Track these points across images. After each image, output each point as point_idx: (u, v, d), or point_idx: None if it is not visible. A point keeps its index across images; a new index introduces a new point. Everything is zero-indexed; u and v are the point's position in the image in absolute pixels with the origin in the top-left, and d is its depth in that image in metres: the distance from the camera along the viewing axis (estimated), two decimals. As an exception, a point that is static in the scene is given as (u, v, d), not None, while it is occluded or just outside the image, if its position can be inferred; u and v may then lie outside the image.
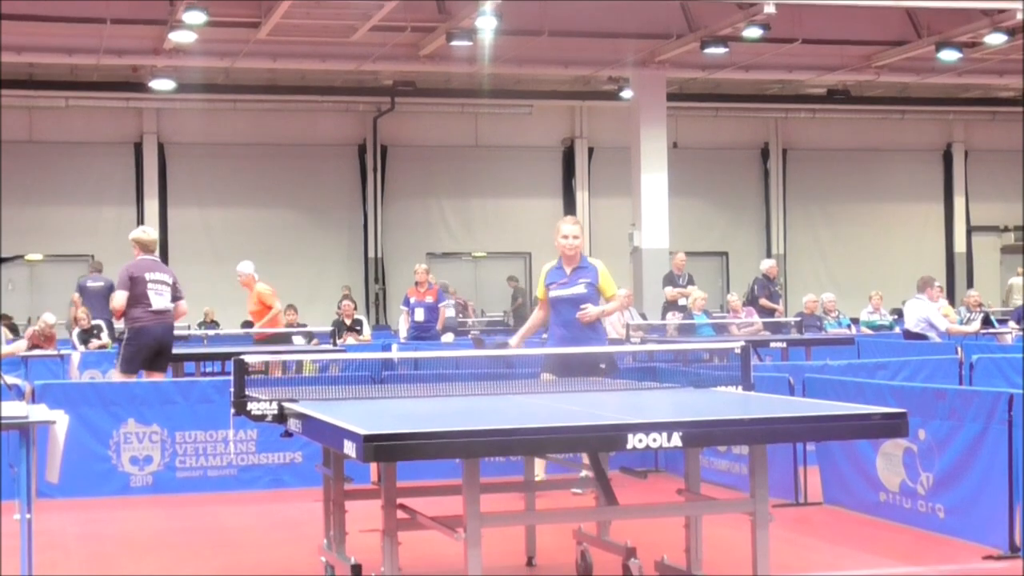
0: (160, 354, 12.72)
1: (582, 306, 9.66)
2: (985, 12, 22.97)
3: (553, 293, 9.81)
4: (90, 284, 22.32)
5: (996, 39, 23.75)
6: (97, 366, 17.71)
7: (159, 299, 12.70)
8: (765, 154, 33.82)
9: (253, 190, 30.64)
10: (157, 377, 12.44)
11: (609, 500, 6.39)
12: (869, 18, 24.91)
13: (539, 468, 9.02)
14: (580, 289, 9.72)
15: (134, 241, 13.11)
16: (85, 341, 20.03)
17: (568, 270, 9.85)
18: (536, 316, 10.25)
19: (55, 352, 18.07)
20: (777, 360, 15.86)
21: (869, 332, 21.64)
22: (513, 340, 10.41)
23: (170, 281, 12.84)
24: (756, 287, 22.87)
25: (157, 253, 13.15)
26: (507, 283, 30.42)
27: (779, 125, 33.84)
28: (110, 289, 21.85)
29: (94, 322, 20.72)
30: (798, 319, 20.72)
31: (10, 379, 11.24)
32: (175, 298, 12.86)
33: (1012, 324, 21.18)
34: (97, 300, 21.42)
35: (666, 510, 7.04)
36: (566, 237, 9.87)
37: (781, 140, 34.02)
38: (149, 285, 12.70)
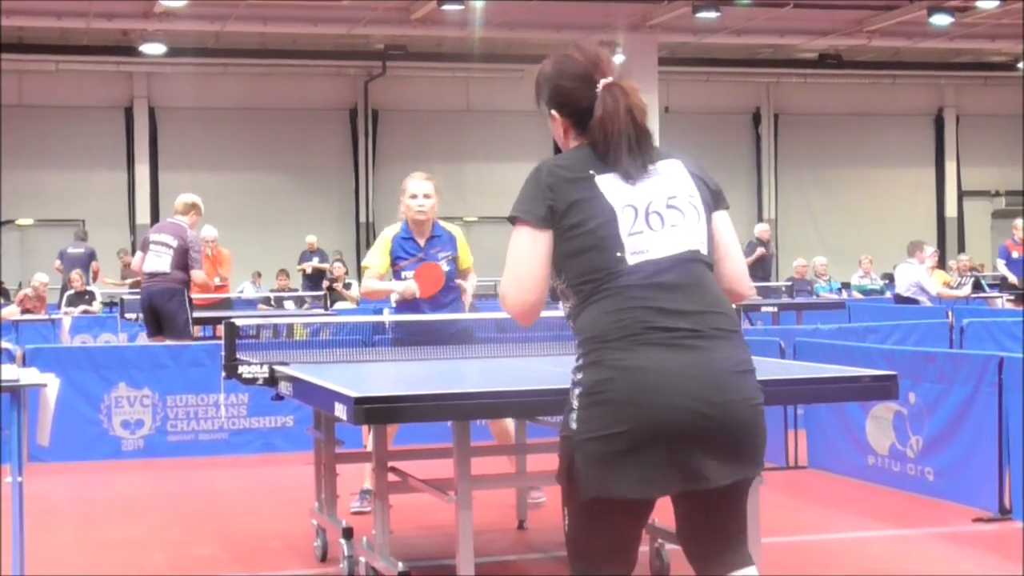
0: (157, 318, 12.64)
1: (457, 282, 8.13)
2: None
3: (408, 272, 8.02)
4: (70, 251, 22.39)
5: (988, 3, 23.75)
6: (88, 330, 17.72)
7: (152, 261, 12.65)
8: (756, 119, 33.81)
9: (244, 155, 30.61)
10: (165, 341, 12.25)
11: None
12: (861, -18, 24.90)
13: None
14: (442, 267, 8.05)
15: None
16: (74, 304, 20.04)
17: (421, 241, 8.09)
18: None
19: (46, 316, 18.07)
20: (768, 324, 15.88)
21: (860, 296, 21.67)
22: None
23: (173, 244, 12.59)
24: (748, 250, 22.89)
25: (185, 215, 12.77)
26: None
27: (771, 90, 33.82)
28: (90, 257, 21.94)
29: (89, 288, 20.77)
30: (789, 283, 20.75)
31: (1, 343, 11.25)
32: (184, 263, 12.60)
33: (1001, 267, 21.22)
34: (76, 267, 21.47)
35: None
36: (415, 197, 8.05)
37: (773, 105, 34.01)
38: (150, 246, 12.71)
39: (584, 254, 3.68)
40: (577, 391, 3.62)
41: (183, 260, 12.60)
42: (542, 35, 26.84)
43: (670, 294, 3.63)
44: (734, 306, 3.91)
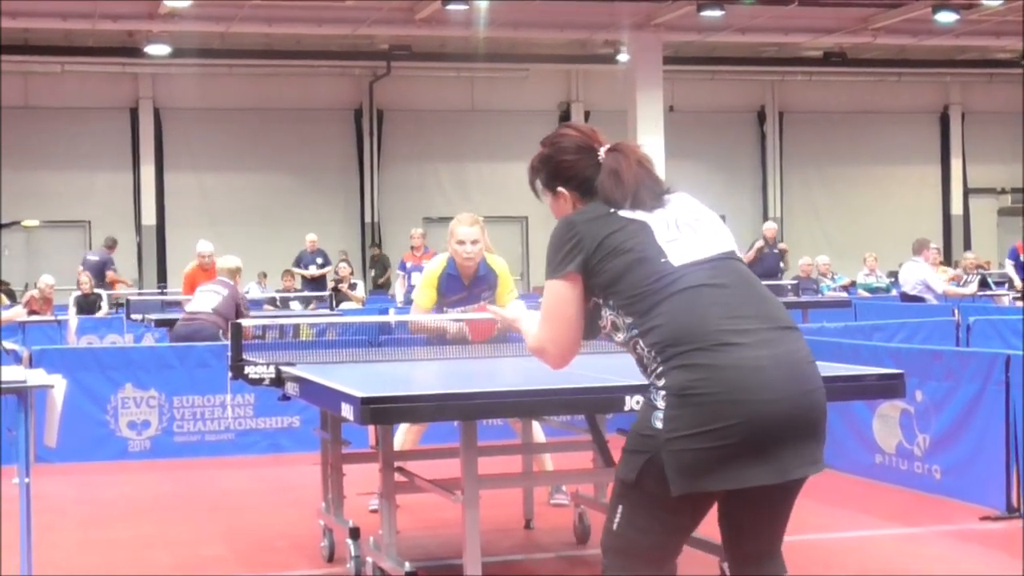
0: None
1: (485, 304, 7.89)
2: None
3: (451, 310, 8.05)
4: (88, 257, 22.44)
5: (993, 0, 23.68)
6: (94, 331, 17.73)
7: (196, 303, 12.98)
8: (761, 117, 33.76)
9: (249, 155, 30.60)
10: None
11: (607, 462, 6.40)
12: (866, -20, 24.86)
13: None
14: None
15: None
16: (83, 308, 20.06)
17: (466, 280, 8.11)
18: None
19: (52, 318, 18.08)
20: (774, 323, 15.82)
21: (866, 294, 21.64)
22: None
23: (224, 292, 12.83)
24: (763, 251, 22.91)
25: (231, 280, 13.08)
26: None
27: (775, 88, 33.79)
28: (103, 265, 22.02)
29: (96, 290, 20.80)
30: (795, 282, 20.73)
31: (8, 344, 11.25)
32: (231, 308, 12.66)
33: (1008, 267, 21.21)
34: (91, 273, 21.59)
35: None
36: (462, 243, 8.00)
37: (777, 103, 33.97)
38: (197, 293, 13.19)
39: (630, 272, 3.78)
40: (663, 393, 3.69)
41: (231, 307, 12.71)
42: (546, 35, 26.84)
43: (728, 292, 3.76)
44: None
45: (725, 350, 3.65)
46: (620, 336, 3.86)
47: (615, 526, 3.81)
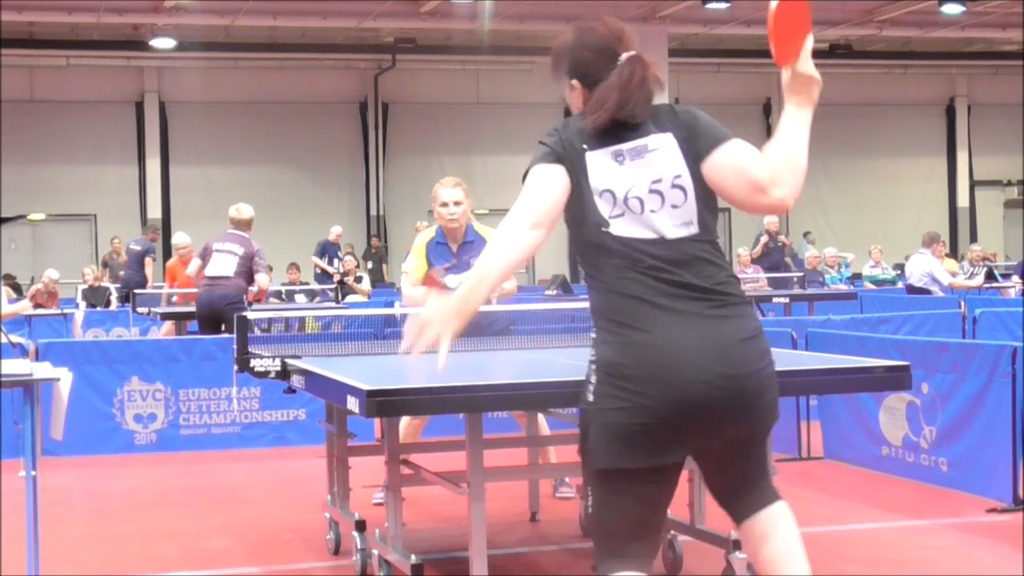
0: (214, 321, 12.84)
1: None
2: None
3: (442, 279, 7.77)
4: (131, 247, 22.40)
5: (999, -8, 23.66)
6: (100, 325, 17.75)
7: (214, 267, 12.94)
8: (767, 110, 33.75)
9: (255, 148, 30.63)
10: None
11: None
12: (872, -28, 24.84)
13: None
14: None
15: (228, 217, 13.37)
16: (91, 300, 20.08)
17: (454, 247, 7.95)
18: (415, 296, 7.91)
19: (58, 311, 18.09)
20: (780, 315, 15.85)
21: (872, 287, 21.62)
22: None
23: (239, 252, 12.90)
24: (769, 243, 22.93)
25: (246, 230, 13.13)
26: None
27: (780, 81, 33.67)
28: (143, 253, 21.98)
29: (103, 284, 20.81)
30: (800, 274, 20.71)
31: (14, 338, 11.26)
32: (248, 270, 12.90)
33: (1015, 278, 21.18)
34: (132, 262, 21.60)
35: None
36: (445, 205, 7.89)
37: (782, 96, 33.91)
38: (213, 254, 13.02)
39: (582, 222, 3.78)
40: (593, 367, 3.75)
41: (247, 268, 12.91)
42: (552, 27, 26.79)
43: (667, 274, 3.71)
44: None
45: (653, 329, 3.65)
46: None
47: (590, 506, 3.86)
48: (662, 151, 3.82)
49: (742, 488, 3.97)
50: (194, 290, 16.56)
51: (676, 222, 3.77)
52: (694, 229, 3.79)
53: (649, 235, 3.74)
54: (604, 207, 3.75)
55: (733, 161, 3.85)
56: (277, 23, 25.50)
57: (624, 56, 3.88)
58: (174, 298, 17.00)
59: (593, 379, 3.72)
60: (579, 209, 3.77)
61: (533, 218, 3.75)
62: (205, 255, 13.09)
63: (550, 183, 3.77)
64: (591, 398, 3.71)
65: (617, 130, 3.80)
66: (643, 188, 3.77)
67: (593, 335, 3.78)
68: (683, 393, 3.63)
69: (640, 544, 3.82)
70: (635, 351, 3.65)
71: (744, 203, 3.83)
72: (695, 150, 3.84)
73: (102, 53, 28.87)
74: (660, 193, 3.78)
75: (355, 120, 31.57)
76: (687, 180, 3.81)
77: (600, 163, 3.77)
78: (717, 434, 3.76)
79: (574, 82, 3.98)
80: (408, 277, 8.08)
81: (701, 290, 3.72)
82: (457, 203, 7.90)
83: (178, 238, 17.70)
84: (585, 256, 3.80)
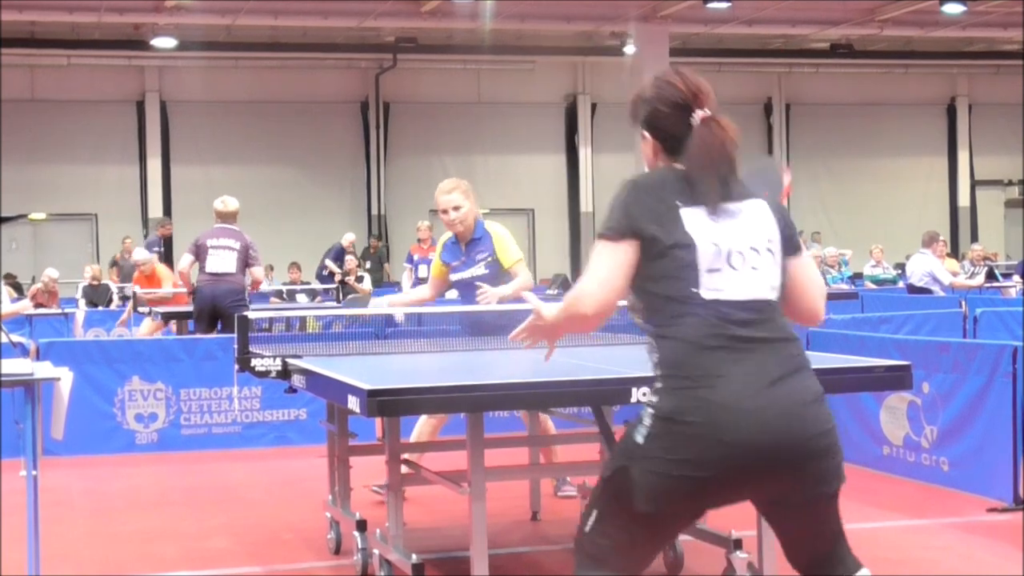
0: (217, 316, 12.90)
1: (478, 287, 7.98)
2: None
3: (454, 276, 8.21)
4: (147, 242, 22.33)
5: (1000, -8, 23.65)
6: (101, 324, 17.74)
7: (215, 263, 12.99)
8: (768, 109, 33.75)
9: (256, 148, 30.62)
10: None
11: (613, 454, 6.41)
12: (873, -29, 24.83)
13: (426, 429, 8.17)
14: (480, 270, 8.06)
15: (213, 210, 13.46)
16: (92, 298, 20.07)
17: (463, 246, 8.17)
18: (420, 293, 8.63)
19: (59, 310, 18.09)
20: (781, 315, 15.81)
21: (873, 286, 21.62)
22: (389, 299, 9.22)
23: (236, 246, 13.03)
24: None
25: (234, 222, 13.31)
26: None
27: (782, 80, 33.77)
28: (148, 248, 21.90)
29: (103, 282, 20.79)
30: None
31: (15, 337, 11.26)
32: (245, 264, 13.08)
33: (1016, 278, 21.17)
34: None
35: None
36: (445, 212, 8.07)
37: (784, 95, 33.95)
38: (210, 251, 13.05)
39: (663, 280, 3.76)
40: (651, 411, 3.72)
41: (244, 261, 13.07)
42: (553, 27, 26.84)
43: (745, 331, 3.73)
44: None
45: (720, 385, 3.64)
46: (637, 319, 3.89)
47: (587, 528, 3.83)
48: (756, 214, 3.87)
49: (818, 557, 4.01)
50: (170, 291, 16.70)
51: (766, 283, 3.82)
52: (776, 294, 3.85)
53: (740, 294, 3.76)
54: (700, 262, 3.75)
55: (810, 274, 4.05)
56: (278, 22, 25.50)
57: (699, 115, 3.87)
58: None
59: (647, 422, 3.70)
60: (664, 265, 3.76)
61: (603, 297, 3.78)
62: (199, 251, 13.09)
63: (621, 262, 3.77)
64: (639, 440, 3.69)
65: (710, 189, 3.81)
66: (743, 244, 3.80)
67: (658, 384, 3.75)
68: (750, 454, 3.64)
69: (637, 568, 3.84)
70: (706, 407, 3.63)
71: (796, 311, 3.99)
72: (785, 232, 3.93)
73: (103, 52, 28.86)
74: (757, 251, 3.82)
75: (356, 120, 31.56)
76: (777, 246, 3.88)
77: (696, 219, 3.78)
78: (781, 492, 3.78)
79: (646, 133, 3.99)
80: (430, 276, 8.43)
81: (775, 351, 3.77)
82: (456, 207, 8.01)
83: (138, 254, 17.74)
84: (658, 308, 3.78)
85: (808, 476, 3.78)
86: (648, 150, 4.00)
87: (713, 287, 3.73)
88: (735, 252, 3.78)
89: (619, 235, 3.75)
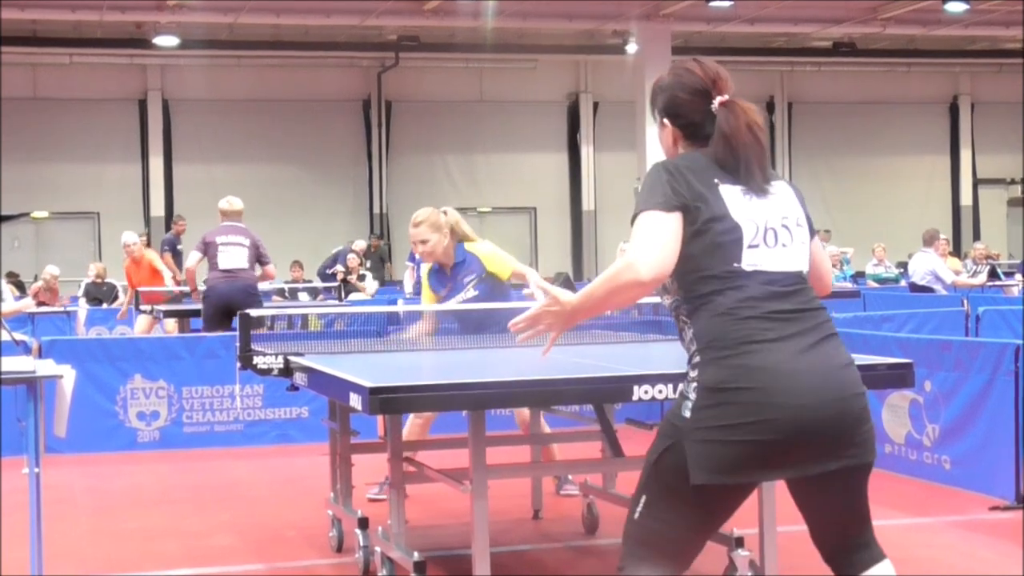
0: (229, 313, 12.79)
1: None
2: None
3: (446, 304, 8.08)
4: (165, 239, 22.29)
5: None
6: (103, 322, 17.74)
7: (228, 259, 13.00)
8: (770, 108, 33.74)
9: (258, 146, 30.62)
10: None
11: (615, 452, 6.40)
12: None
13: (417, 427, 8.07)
14: (469, 292, 8.01)
15: (219, 210, 13.48)
16: (94, 296, 20.07)
17: (447, 271, 8.14)
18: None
19: (62, 309, 18.10)
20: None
21: (875, 285, 21.61)
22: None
23: (246, 243, 13.07)
24: None
25: (240, 221, 13.31)
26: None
27: (784, 78, 33.76)
28: (161, 249, 21.90)
29: (107, 281, 20.79)
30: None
31: (17, 335, 11.27)
32: (259, 261, 13.17)
33: (1018, 276, 21.16)
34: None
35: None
36: (415, 244, 8.14)
37: (786, 93, 33.94)
38: (220, 247, 13.04)
39: (703, 256, 3.80)
40: (694, 385, 3.76)
41: (256, 257, 13.14)
42: (555, 25, 26.84)
43: (781, 303, 3.81)
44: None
45: (761, 351, 3.71)
46: (667, 299, 3.92)
47: (636, 514, 3.84)
48: (783, 194, 3.96)
49: (846, 540, 3.99)
50: (163, 288, 16.69)
51: (798, 257, 3.91)
52: (807, 267, 3.95)
53: (777, 267, 3.84)
54: (744, 237, 3.82)
55: (821, 251, 4.18)
56: (280, 21, 25.50)
57: (718, 100, 3.90)
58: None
59: (692, 396, 3.74)
60: (707, 240, 3.80)
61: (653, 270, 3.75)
62: (208, 249, 13.07)
63: (674, 229, 3.78)
64: (687, 414, 3.73)
65: (753, 170, 3.87)
66: (776, 222, 3.89)
67: (697, 359, 3.78)
68: (796, 414, 3.69)
69: (676, 563, 3.85)
70: (750, 373, 3.69)
71: (812, 285, 4.04)
72: (806, 212, 4.06)
73: (105, 51, 28.87)
74: (788, 229, 3.91)
75: (358, 118, 31.56)
76: (804, 223, 3.99)
77: (735, 196, 3.84)
78: (824, 456, 3.79)
79: (666, 121, 4.03)
80: (409, 274, 8.35)
81: (809, 319, 3.85)
82: (424, 241, 8.00)
83: (126, 236, 17.60)
84: (696, 284, 3.81)
85: (846, 438, 3.79)
86: (668, 138, 4.04)
87: (752, 262, 3.80)
88: (770, 229, 3.86)
89: (667, 207, 3.77)
